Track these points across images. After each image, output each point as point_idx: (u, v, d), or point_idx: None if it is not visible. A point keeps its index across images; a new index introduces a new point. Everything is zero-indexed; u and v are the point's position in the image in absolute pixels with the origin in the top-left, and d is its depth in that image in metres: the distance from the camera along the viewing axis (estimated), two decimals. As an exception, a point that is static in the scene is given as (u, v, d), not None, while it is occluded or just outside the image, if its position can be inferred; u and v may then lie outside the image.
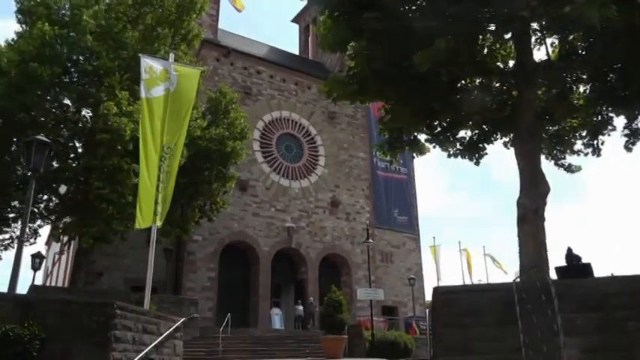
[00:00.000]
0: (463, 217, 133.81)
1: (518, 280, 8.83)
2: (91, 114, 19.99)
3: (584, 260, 14.93)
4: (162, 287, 26.07)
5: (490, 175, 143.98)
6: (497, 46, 12.19)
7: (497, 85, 12.87)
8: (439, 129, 13.29)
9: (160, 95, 12.03)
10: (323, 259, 33.02)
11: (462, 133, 13.51)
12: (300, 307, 28.59)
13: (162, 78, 12.15)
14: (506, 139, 14.05)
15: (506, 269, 42.39)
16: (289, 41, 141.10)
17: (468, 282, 41.75)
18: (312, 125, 36.02)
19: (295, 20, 50.79)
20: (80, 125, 19.97)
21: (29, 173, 18.68)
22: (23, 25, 19.42)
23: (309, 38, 48.77)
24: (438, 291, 7.91)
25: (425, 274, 38.68)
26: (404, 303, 35.63)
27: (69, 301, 9.25)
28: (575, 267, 13.49)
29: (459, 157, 13.42)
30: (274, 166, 33.17)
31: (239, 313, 26.50)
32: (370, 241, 24.15)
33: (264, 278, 30.22)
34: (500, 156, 47.23)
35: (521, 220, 10.11)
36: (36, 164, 8.70)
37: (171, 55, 12.81)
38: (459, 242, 39.51)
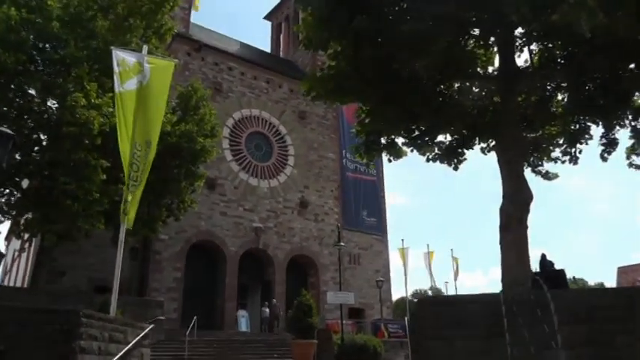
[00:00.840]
0: (430, 218, 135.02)
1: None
2: (57, 105, 19.21)
3: (556, 267, 14.96)
4: (127, 287, 25.32)
5: (455, 177, 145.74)
6: (480, 51, 12.01)
7: (477, 90, 12.72)
8: (417, 133, 13.08)
9: (132, 89, 11.49)
10: (290, 260, 32.62)
11: (440, 138, 13.33)
12: (267, 310, 28.17)
13: (134, 70, 11.61)
14: (484, 145, 13.97)
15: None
16: (261, 39, 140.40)
17: (433, 285, 41.93)
18: (282, 124, 35.61)
19: (268, 17, 50.29)
20: (45, 117, 19.15)
21: None
22: None
23: (281, 36, 48.43)
24: (424, 302, 7.66)
25: (392, 276, 38.69)
26: (371, 305, 35.46)
27: (30, 308, 8.66)
28: (549, 273, 13.43)
29: (438, 161, 13.20)
30: (243, 165, 32.64)
31: (205, 315, 25.90)
32: (342, 244, 23.79)
33: (231, 279, 29.68)
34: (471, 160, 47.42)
35: (504, 228, 9.93)
36: (-2, 158, 8.11)
37: (145, 47, 12.28)
38: (428, 245, 39.56)
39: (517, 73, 11.44)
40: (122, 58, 11.68)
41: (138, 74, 11.61)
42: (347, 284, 32.02)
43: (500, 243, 9.93)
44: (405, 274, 37.30)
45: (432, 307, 7.28)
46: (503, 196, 10.40)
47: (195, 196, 24.20)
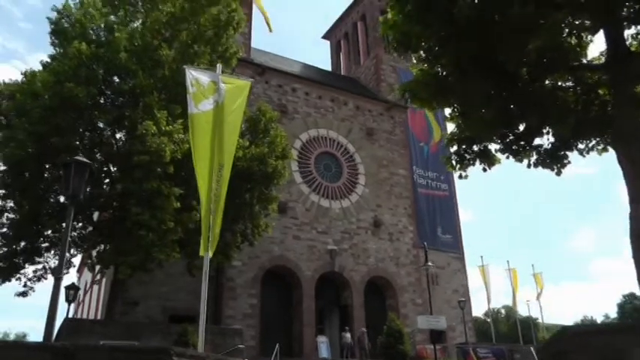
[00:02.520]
0: (504, 233, 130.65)
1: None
2: (126, 136, 19.08)
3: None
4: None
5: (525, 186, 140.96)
6: (585, 38, 10.71)
7: (581, 83, 11.41)
8: (511, 137, 11.90)
9: (209, 109, 10.83)
10: (367, 282, 31.47)
11: (537, 141, 12.07)
12: (348, 335, 27.00)
13: (210, 91, 10.95)
14: (582, 146, 12.63)
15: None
16: (320, 58, 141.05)
17: (515, 304, 39.79)
18: (350, 143, 34.74)
19: (326, 37, 50.00)
20: (115, 149, 19.06)
21: (65, 200, 18.06)
22: (57, 48, 18.67)
23: (341, 54, 47.94)
24: (568, 332, 6.47)
25: (470, 295, 36.90)
26: (452, 327, 33.76)
27: (116, 347, 7.95)
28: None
29: (540, 167, 11.92)
30: (313, 186, 31.90)
31: (283, 342, 25.12)
32: (429, 264, 22.55)
33: (308, 304, 28.79)
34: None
35: (638, 237, 8.59)
36: (75, 189, 7.56)
37: (219, 66, 11.63)
38: (508, 261, 37.58)
39: (628, 58, 10.06)
40: (196, 77, 11.05)
41: (214, 94, 10.95)
42: (426, 305, 30.66)
43: (634, 255, 8.59)
44: (488, 294, 35.50)
45: (581, 338, 6.09)
46: (631, 200, 9.05)
47: (270, 219, 23.55)
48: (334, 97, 35.63)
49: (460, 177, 12.19)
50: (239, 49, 22.70)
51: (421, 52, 9.99)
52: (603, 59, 10.81)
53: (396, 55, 42.72)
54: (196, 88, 10.97)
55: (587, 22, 9.71)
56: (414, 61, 11.21)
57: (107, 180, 19.91)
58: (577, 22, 9.52)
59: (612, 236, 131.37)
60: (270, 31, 35.71)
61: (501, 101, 9.83)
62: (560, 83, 11.42)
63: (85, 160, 7.71)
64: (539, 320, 50.33)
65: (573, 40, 9.99)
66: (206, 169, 10.55)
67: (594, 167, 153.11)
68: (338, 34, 48.39)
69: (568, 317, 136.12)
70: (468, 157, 12.06)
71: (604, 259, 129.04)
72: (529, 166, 11.93)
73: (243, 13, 22.77)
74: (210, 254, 10.18)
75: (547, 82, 10.69)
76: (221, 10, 20.45)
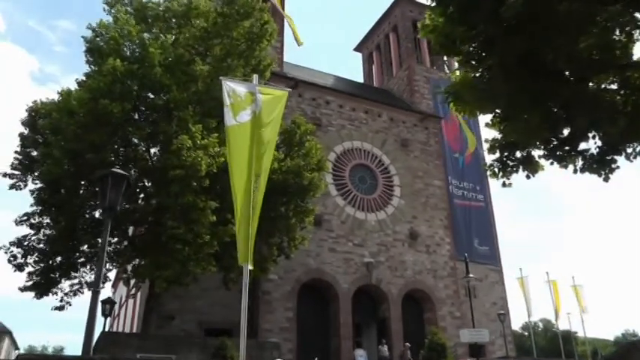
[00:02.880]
0: (539, 243, 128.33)
1: None
2: (160, 151, 19.17)
3: None
4: (238, 328, 24.67)
5: (556, 197, 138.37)
6: (636, 34, 10.27)
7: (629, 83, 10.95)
8: (555, 142, 11.50)
9: (246, 120, 10.72)
10: (405, 295, 30.99)
11: (583, 145, 11.63)
12: (385, 348, 26.55)
13: (247, 102, 10.83)
14: (630, 150, 12.11)
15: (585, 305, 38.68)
16: (352, 70, 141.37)
17: (558, 317, 38.65)
18: (384, 154, 34.42)
19: (358, 49, 49.94)
20: (150, 164, 19.16)
21: (100, 214, 18.23)
22: (92, 66, 18.93)
23: (373, 66, 47.80)
24: (627, 347, 6.08)
25: (510, 308, 36.06)
26: (491, 341, 32.84)
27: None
28: None
29: (587, 172, 11.48)
30: (349, 199, 31.64)
31: (320, 355, 24.84)
32: (471, 275, 22.08)
33: (345, 317, 28.42)
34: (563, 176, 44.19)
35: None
36: (112, 201, 7.47)
37: (255, 77, 11.52)
38: (547, 273, 36.58)
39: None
40: (233, 88, 10.94)
41: (251, 104, 10.84)
42: (465, 319, 30.08)
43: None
44: (528, 307, 34.56)
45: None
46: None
47: (306, 232, 23.36)
48: (368, 108, 35.44)
49: (504, 185, 11.81)
50: (272, 61, 22.70)
51: (464, 54, 9.70)
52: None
53: (429, 66, 42.53)
54: (233, 99, 10.86)
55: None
56: (456, 65, 10.84)
57: (142, 195, 20.03)
58: (627, 19, 9.13)
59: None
60: (299, 44, 35.59)
61: (547, 104, 9.48)
62: (603, 85, 11.04)
63: (122, 171, 7.64)
64: (579, 334, 48.95)
65: (623, 37, 9.60)
66: (243, 179, 10.41)
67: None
68: (370, 46, 48.27)
69: (607, 331, 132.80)
70: (510, 164, 11.69)
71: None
72: (575, 171, 11.48)
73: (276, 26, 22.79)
74: (250, 265, 10.03)
75: (592, 83, 10.32)
76: (254, 23, 20.52)
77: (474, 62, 9.64)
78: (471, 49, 9.43)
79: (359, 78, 48.55)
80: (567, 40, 8.27)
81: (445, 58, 44.61)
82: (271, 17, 22.01)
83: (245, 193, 10.36)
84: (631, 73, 10.49)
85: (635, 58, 10.71)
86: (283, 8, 32.87)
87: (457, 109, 11.22)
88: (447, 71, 43.69)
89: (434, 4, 9.36)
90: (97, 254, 19.26)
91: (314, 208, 22.92)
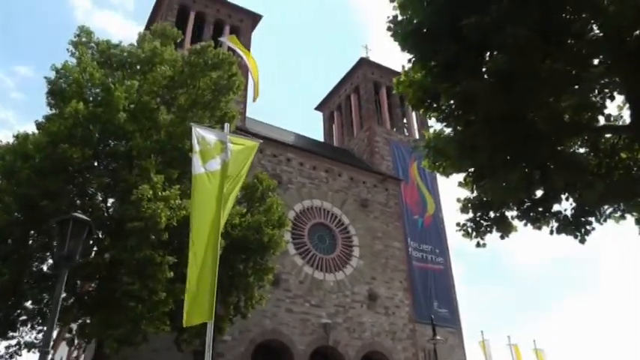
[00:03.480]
0: (502, 305, 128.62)
1: None
2: (118, 202, 18.32)
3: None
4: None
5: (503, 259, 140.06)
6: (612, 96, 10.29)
7: (603, 145, 10.95)
8: (528, 203, 11.36)
9: (215, 169, 10.20)
10: (362, 358, 30.11)
11: (556, 207, 11.49)
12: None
13: (216, 150, 10.36)
14: (611, 210, 12.02)
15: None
16: (312, 129, 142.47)
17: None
18: (344, 214, 34.12)
19: (319, 108, 50.38)
20: (106, 215, 18.26)
21: (53, 265, 16.99)
22: (53, 109, 18.19)
23: (334, 125, 48.14)
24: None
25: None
26: (450, 408, 32.30)
27: None
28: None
29: (562, 233, 11.29)
30: (307, 258, 30.98)
31: None
32: (438, 337, 21.52)
33: (301, 380, 27.35)
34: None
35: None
36: (70, 251, 6.74)
37: (227, 126, 11.11)
38: (509, 336, 36.13)
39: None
40: (202, 136, 10.47)
41: (220, 153, 10.37)
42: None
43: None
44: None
45: None
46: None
47: (263, 291, 22.54)
48: (328, 167, 35.32)
49: (477, 245, 11.54)
50: (237, 113, 22.37)
51: (442, 110, 9.53)
52: (624, 119, 10.43)
53: (389, 128, 43.04)
54: (202, 146, 10.38)
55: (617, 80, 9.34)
56: (415, 126, 10.65)
57: (95, 248, 18.98)
58: (608, 80, 9.14)
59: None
60: (255, 99, 35.06)
61: (525, 162, 9.33)
62: (577, 148, 11.03)
63: (84, 217, 6.97)
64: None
65: (599, 99, 9.61)
66: (205, 231, 9.82)
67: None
68: (331, 106, 48.76)
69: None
70: (484, 224, 11.48)
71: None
72: (551, 232, 11.31)
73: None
74: (211, 323, 9.30)
75: (565, 144, 10.26)
76: (222, 75, 20.27)
77: (452, 118, 9.49)
78: (451, 104, 9.30)
79: (319, 136, 48.79)
80: (548, 98, 8.18)
81: (405, 121, 45.48)
82: (239, 69, 21.82)
83: (209, 244, 9.75)
84: (602, 135, 10.51)
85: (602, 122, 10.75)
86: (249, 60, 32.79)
87: (433, 166, 11.01)
88: (407, 134, 44.38)
89: (413, 59, 9.23)
90: (41, 311, 17.94)
91: (274, 266, 22.20)
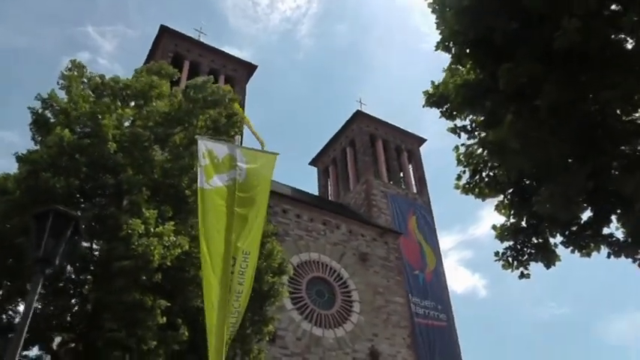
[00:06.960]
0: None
1: None
2: (104, 240, 16.63)
3: None
4: None
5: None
6: None
7: None
8: (574, 227, 10.05)
9: (220, 186, 8.92)
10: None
11: (606, 230, 10.15)
12: None
13: (226, 165, 9.13)
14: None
15: None
16: (306, 184, 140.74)
17: None
18: (343, 268, 32.58)
19: (313, 163, 49.48)
20: (89, 254, 16.58)
21: (34, 263, 14.89)
22: (37, 145, 16.80)
23: (329, 180, 47.20)
24: None
25: None
26: None
27: None
28: None
29: (621, 256, 9.87)
30: (305, 314, 29.20)
31: None
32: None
33: None
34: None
35: None
36: (48, 252, 5.20)
37: (237, 138, 9.93)
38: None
39: None
40: (209, 149, 9.27)
41: (230, 170, 9.12)
42: None
43: None
44: None
45: None
46: None
47: (262, 345, 20.70)
48: (326, 220, 34.04)
49: (522, 276, 10.10)
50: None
51: (490, 108, 8.28)
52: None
53: (387, 181, 42.00)
54: (209, 160, 9.13)
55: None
56: (474, 126, 9.36)
57: (75, 291, 17.15)
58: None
59: None
60: (262, 146, 34.17)
61: (587, 172, 7.97)
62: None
63: (69, 211, 5.57)
64: None
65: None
66: (219, 256, 8.42)
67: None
68: (326, 160, 47.88)
69: None
70: (527, 251, 10.13)
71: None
72: (608, 256, 9.91)
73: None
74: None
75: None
76: (221, 113, 19.12)
77: (503, 110, 8.20)
78: (505, 93, 8.02)
79: (313, 191, 47.64)
80: (627, 85, 6.96)
81: (402, 174, 44.47)
82: (240, 108, 20.67)
83: (222, 273, 8.34)
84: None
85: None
86: (243, 112, 31.98)
87: (467, 188, 9.78)
88: (404, 187, 43.36)
89: (464, 42, 8.04)
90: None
91: (274, 316, 20.47)
